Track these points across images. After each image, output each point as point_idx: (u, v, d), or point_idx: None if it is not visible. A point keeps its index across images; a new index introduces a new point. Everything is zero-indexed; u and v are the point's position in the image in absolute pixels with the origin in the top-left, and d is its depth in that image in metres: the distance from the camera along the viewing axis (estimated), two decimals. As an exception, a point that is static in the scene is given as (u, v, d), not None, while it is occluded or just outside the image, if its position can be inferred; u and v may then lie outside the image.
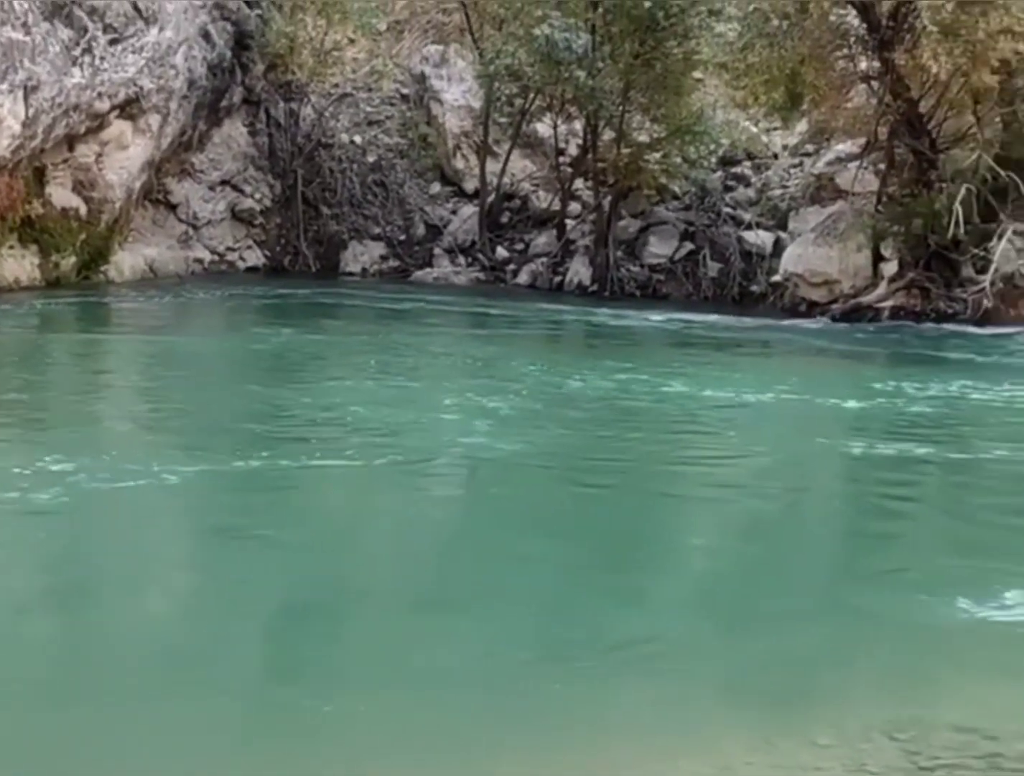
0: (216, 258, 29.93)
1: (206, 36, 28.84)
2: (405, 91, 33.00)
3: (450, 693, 7.04)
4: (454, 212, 31.38)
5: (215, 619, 8.22)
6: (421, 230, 31.21)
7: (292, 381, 16.92)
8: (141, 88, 26.53)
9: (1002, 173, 23.99)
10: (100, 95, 25.57)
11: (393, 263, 30.71)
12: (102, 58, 25.37)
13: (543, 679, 7.18)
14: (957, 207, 23.70)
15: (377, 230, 31.01)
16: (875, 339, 23.58)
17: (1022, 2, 22.87)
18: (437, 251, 30.73)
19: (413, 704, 6.83)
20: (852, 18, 25.46)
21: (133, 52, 26.30)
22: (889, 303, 25.38)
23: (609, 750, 6.37)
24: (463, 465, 12.81)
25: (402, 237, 31.02)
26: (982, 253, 24.72)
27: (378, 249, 30.89)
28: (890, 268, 25.76)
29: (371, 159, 31.76)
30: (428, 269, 30.28)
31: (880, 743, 6.34)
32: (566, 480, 12.20)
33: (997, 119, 25.11)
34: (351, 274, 30.26)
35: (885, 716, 6.62)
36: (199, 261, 29.49)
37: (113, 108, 26.07)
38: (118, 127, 26.49)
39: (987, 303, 24.27)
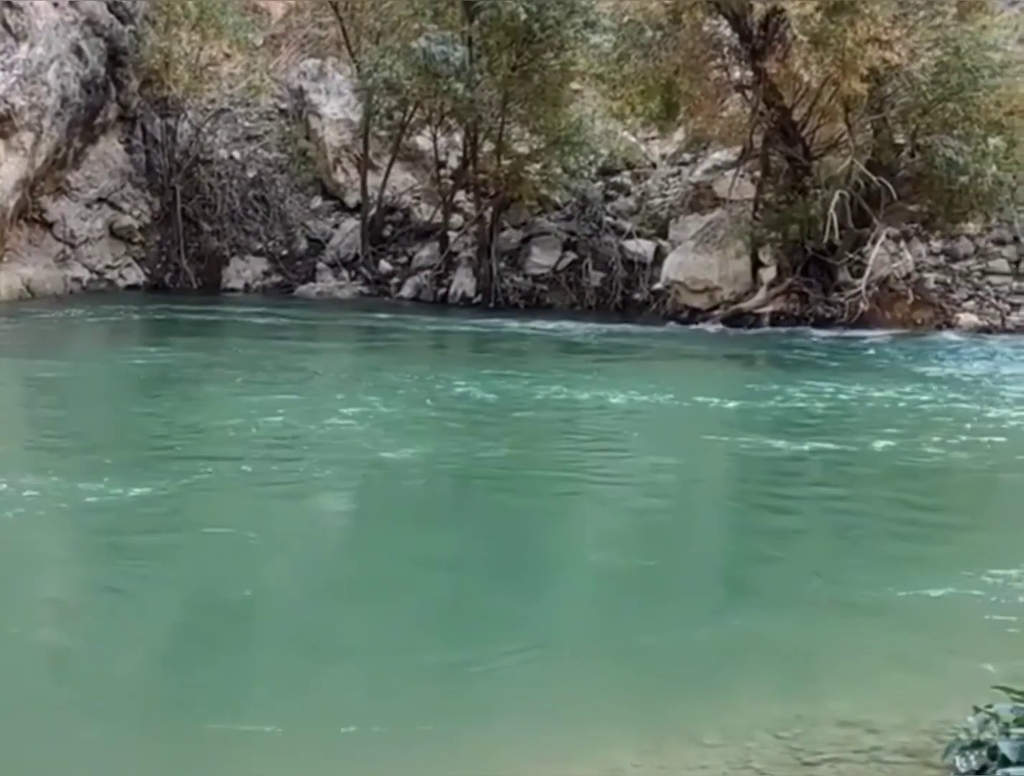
0: (95, 276, 29.47)
1: (78, 52, 28.41)
2: (283, 105, 32.82)
3: (346, 706, 7.02)
4: (336, 226, 31.27)
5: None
6: (303, 245, 31.05)
7: (178, 398, 16.74)
8: (12, 106, 26.08)
9: (874, 179, 24.50)
10: (-30, 113, 25.09)
11: (276, 278, 30.51)
12: (-29, 76, 24.90)
13: (431, 684, 7.21)
14: (831, 213, 24.17)
15: (259, 245, 30.79)
16: (755, 343, 23.96)
17: (889, 11, 23.40)
18: (320, 265, 30.59)
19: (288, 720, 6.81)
20: (724, 28, 25.84)
21: (3, 69, 25.87)
22: (769, 308, 25.79)
23: (500, 754, 6.40)
24: (350, 471, 12.80)
25: (284, 252, 30.84)
26: (857, 258, 25.25)
27: (260, 265, 30.67)
28: (769, 274, 26.19)
29: (251, 174, 31.53)
30: (311, 284, 30.12)
31: (764, 740, 6.45)
32: (461, 483, 12.28)
33: (868, 126, 25.62)
34: (233, 290, 30.00)
35: (770, 713, 6.74)
36: (77, 280, 29.03)
37: (-16, 126, 25.60)
38: (-10, 145, 26.03)
39: (863, 306, 24.80)
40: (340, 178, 31.70)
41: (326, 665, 7.62)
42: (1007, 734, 4.63)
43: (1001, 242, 28.04)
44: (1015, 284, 27.22)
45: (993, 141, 24.08)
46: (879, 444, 14.18)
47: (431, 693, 7.14)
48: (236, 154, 31.72)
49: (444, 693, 7.20)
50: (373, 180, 30.48)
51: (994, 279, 27.31)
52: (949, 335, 25.13)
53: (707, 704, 6.99)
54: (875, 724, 6.47)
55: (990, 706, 4.89)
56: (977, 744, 4.73)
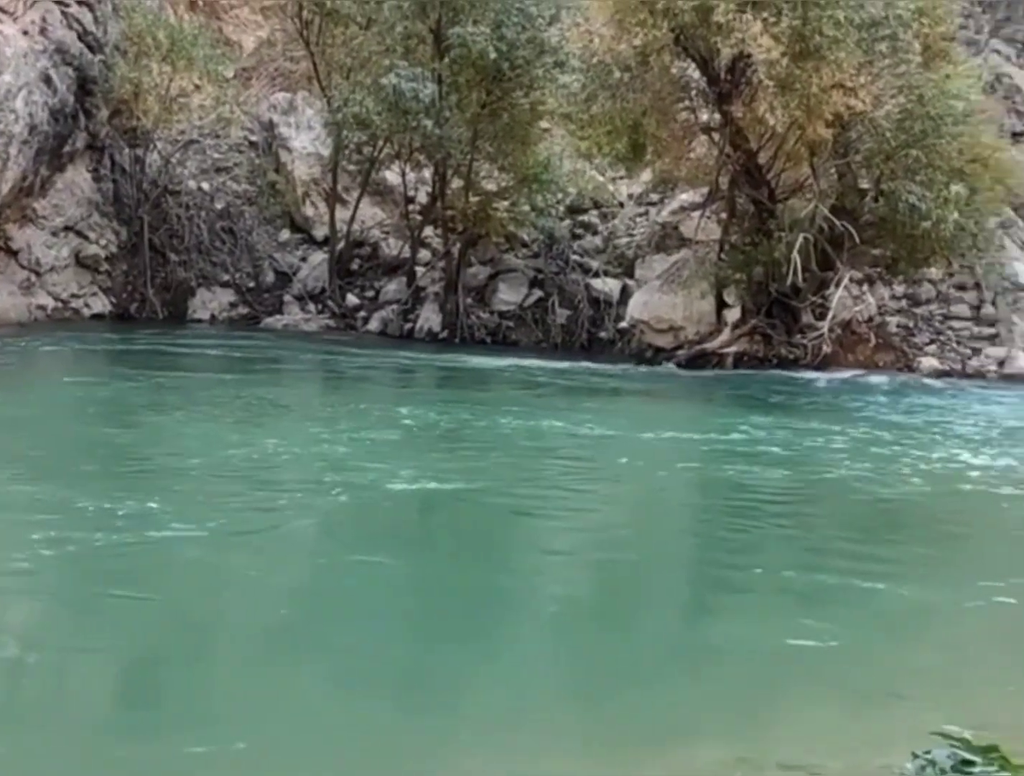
0: (60, 305, 29.37)
1: (47, 81, 28.40)
2: (253, 138, 32.86)
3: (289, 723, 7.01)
4: (304, 259, 31.30)
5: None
6: (271, 277, 31.05)
7: (139, 427, 16.70)
8: (-21, 133, 26.02)
9: (838, 223, 24.72)
10: (-63, 140, 25.03)
11: (242, 310, 30.49)
12: (-61, 102, 24.86)
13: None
14: (795, 255, 24.35)
15: (226, 277, 30.77)
16: (717, 384, 24.11)
17: (854, 58, 23.64)
18: (287, 298, 30.60)
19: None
20: (692, 71, 26.05)
21: (-29, 96, 25.80)
22: (733, 349, 25.94)
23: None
24: (314, 496, 12.81)
25: (251, 284, 30.83)
26: (820, 300, 25.44)
27: (227, 296, 30.65)
28: (733, 315, 26.36)
29: (219, 206, 31.54)
30: (278, 316, 30.12)
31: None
32: (431, 506, 12.39)
33: (832, 170, 25.86)
34: (199, 321, 29.94)
35: (714, 755, 6.76)
36: (42, 308, 28.92)
37: (-49, 153, 25.53)
38: (-44, 173, 25.96)
39: (826, 348, 24.97)
40: (309, 211, 31.75)
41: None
42: (943, 780, 4.65)
43: (963, 287, 28.32)
44: (976, 329, 27.47)
45: (955, 188, 24.31)
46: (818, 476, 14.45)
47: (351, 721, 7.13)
48: (205, 185, 31.73)
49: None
50: (342, 214, 30.53)
51: (955, 324, 27.57)
52: (910, 378, 25.36)
53: (651, 747, 7.01)
54: (816, 767, 6.51)
55: (928, 752, 4.92)
56: (914, 790, 4.75)
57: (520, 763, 6.77)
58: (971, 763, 4.71)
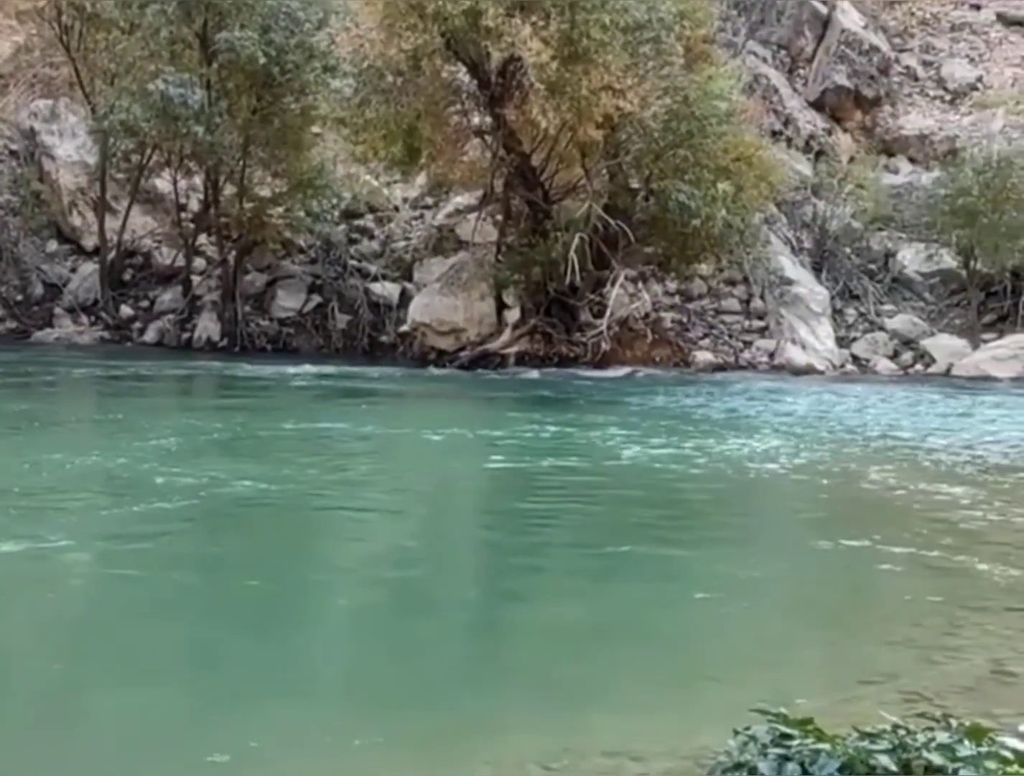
0: None
1: None
2: (14, 147, 31.85)
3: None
4: (73, 270, 30.48)
5: None
6: (39, 289, 30.13)
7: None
8: None
9: (612, 222, 25.29)
10: None
11: (11, 324, 29.52)
12: None
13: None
14: (572, 255, 24.84)
15: (-9, 291, 29.75)
16: (500, 384, 24.42)
17: (621, 61, 24.21)
18: (58, 311, 29.74)
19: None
20: (463, 75, 26.30)
21: None
22: (514, 349, 26.31)
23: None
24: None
25: (19, 297, 29.87)
26: (598, 298, 26.01)
27: (-7, 310, 29.63)
28: (513, 315, 26.74)
29: (-19, 218, 30.46)
30: (49, 329, 29.26)
31: (536, 774, 6.59)
32: (227, 513, 12.29)
33: (604, 171, 26.45)
34: (-35, 336, 28.88)
35: (539, 745, 6.89)
36: None
37: None
38: None
39: (605, 346, 25.55)
40: (77, 221, 30.92)
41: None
42: (765, 755, 4.86)
43: (732, 282, 29.32)
44: (747, 322, 28.48)
45: (722, 186, 25.14)
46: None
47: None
48: (-35, 197, 30.62)
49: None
50: (111, 223, 29.82)
51: (727, 318, 28.54)
52: (685, 372, 26.15)
53: (476, 738, 7.09)
54: (639, 752, 6.70)
55: (748, 728, 5.12)
56: (738, 766, 4.94)
57: (341, 767, 6.79)
58: (789, 736, 4.93)
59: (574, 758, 6.65)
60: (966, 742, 4.59)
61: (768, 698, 6.18)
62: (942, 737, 4.61)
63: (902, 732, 4.67)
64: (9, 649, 8.66)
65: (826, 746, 4.66)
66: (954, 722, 4.81)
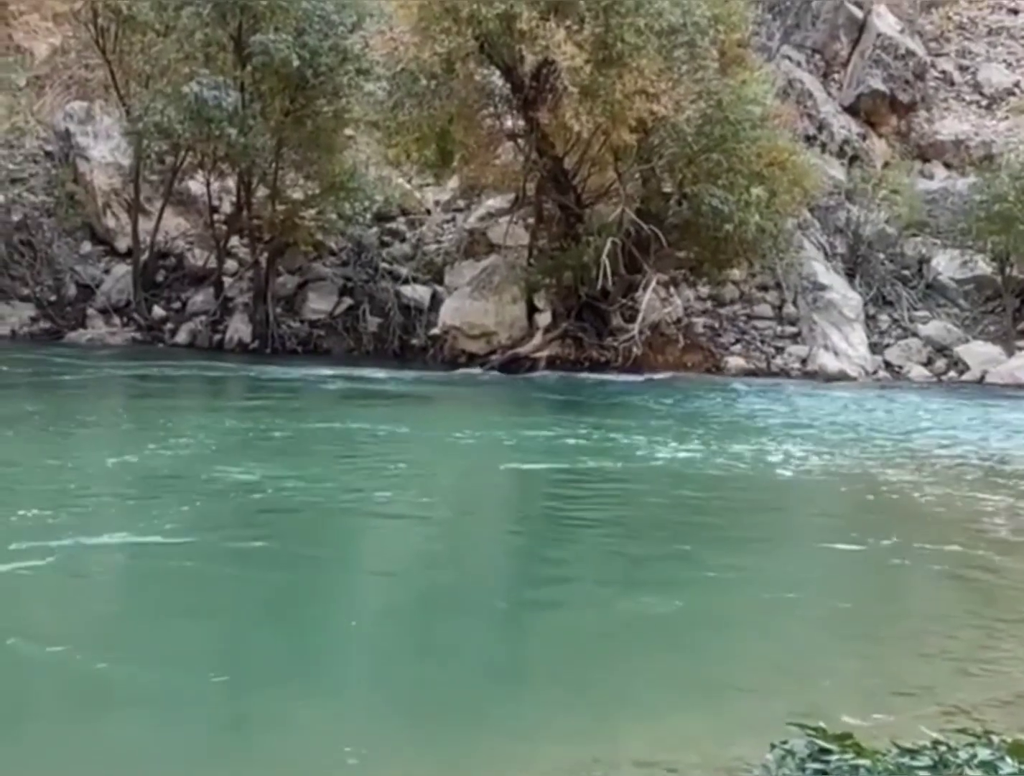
0: None
1: None
2: (49, 148, 31.97)
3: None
4: (107, 271, 30.57)
5: None
6: (73, 290, 30.24)
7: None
8: None
9: (644, 226, 25.21)
10: None
11: (44, 325, 29.62)
12: None
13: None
14: (604, 259, 24.76)
15: (26, 291, 29.84)
16: (530, 388, 24.35)
17: (655, 65, 24.14)
18: (91, 311, 29.84)
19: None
20: (497, 79, 26.27)
21: None
22: (545, 353, 26.25)
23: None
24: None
25: (53, 298, 29.97)
26: (629, 303, 25.92)
27: (27, 310, 29.73)
28: (544, 319, 26.68)
29: (16, 218, 30.55)
30: (82, 330, 29.35)
31: (568, 783, 6.54)
32: (267, 511, 12.33)
33: (637, 175, 26.37)
34: (-1, 336, 29.00)
35: (570, 755, 6.82)
36: None
37: None
38: None
39: (636, 351, 25.45)
40: (110, 223, 31.01)
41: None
42: (803, 769, 4.79)
43: (764, 288, 29.18)
44: (779, 328, 28.33)
45: (755, 191, 25.02)
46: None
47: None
48: (0, 197, 30.73)
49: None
50: (145, 225, 29.90)
51: (759, 323, 28.40)
52: (717, 377, 26.02)
53: (507, 749, 7.04)
54: (672, 763, 6.62)
55: (785, 742, 5.05)
56: (775, 780, 4.88)
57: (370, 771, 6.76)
58: (828, 751, 4.85)
59: (605, 768, 6.58)
60: (1008, 759, 4.50)
61: (802, 709, 6.12)
62: (983, 754, 4.52)
63: (943, 748, 4.58)
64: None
65: (866, 762, 4.58)
66: (995, 738, 4.72)
